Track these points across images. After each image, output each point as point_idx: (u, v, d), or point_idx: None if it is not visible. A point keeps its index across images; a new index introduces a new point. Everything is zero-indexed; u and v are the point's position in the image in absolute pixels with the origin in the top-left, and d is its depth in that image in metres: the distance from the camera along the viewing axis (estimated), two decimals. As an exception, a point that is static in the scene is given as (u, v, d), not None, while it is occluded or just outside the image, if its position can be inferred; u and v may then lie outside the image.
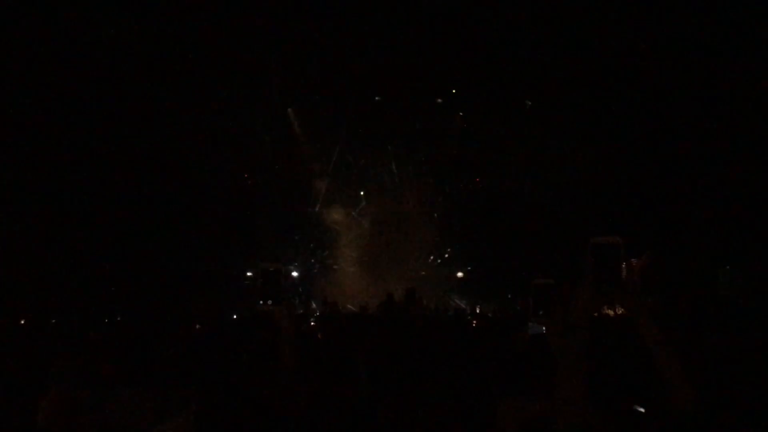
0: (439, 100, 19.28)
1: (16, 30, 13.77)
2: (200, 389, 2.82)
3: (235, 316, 16.12)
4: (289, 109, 19.67)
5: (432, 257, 20.57)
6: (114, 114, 16.18)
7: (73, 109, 15.54)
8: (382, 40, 16.37)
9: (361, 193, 20.71)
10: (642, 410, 2.33)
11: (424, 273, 20.25)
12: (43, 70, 14.70)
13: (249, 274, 19.38)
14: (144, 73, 16.11)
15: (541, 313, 2.90)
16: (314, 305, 18.32)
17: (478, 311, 17.19)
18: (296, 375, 2.57)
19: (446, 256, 20.54)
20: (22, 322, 9.49)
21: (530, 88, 17.81)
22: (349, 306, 16.86)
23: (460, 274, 20.05)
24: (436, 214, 20.50)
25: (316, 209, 20.56)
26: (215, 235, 18.70)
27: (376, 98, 19.02)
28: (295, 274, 19.73)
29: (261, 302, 2.61)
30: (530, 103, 18.36)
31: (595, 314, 2.23)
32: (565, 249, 16.69)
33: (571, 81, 16.35)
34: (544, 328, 3.53)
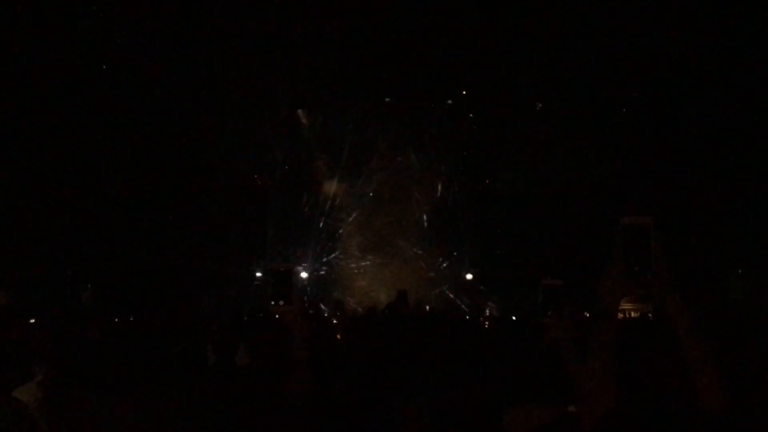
0: (450, 102, 19.27)
1: (26, 30, 13.88)
2: (211, 390, 2.83)
3: (245, 318, 16.16)
4: (299, 111, 19.70)
5: (441, 258, 20.53)
6: (126, 114, 16.27)
7: (88, 108, 15.67)
8: (394, 40, 16.37)
9: (370, 194, 20.70)
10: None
11: (433, 274, 20.21)
12: (61, 67, 14.83)
13: (258, 274, 19.41)
14: (156, 73, 16.20)
15: (549, 313, 2.88)
16: (322, 306, 18.29)
17: (488, 313, 17.11)
18: (310, 376, 2.57)
19: (455, 254, 20.46)
20: (32, 321, 9.50)
21: (541, 89, 17.77)
22: (353, 305, 16.84)
23: (469, 276, 19.99)
24: (446, 215, 20.45)
25: (325, 209, 20.57)
26: (224, 235, 18.75)
27: (386, 99, 19.02)
28: (304, 275, 19.74)
29: (273, 303, 2.61)
30: (540, 105, 18.30)
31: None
32: (576, 250, 16.66)
33: (583, 82, 16.29)
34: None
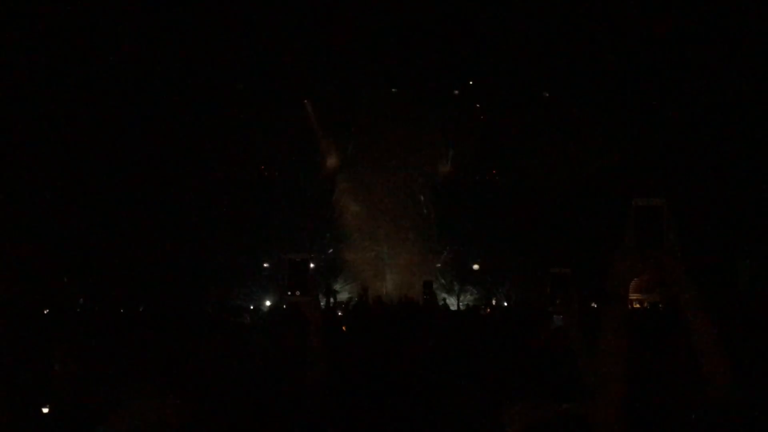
0: (456, 91, 19.19)
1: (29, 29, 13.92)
2: (229, 379, 2.86)
3: (251, 307, 16.23)
4: (306, 101, 19.65)
5: (447, 249, 20.49)
6: (137, 106, 16.32)
7: (101, 99, 15.73)
8: (401, 29, 16.31)
9: (377, 184, 20.65)
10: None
11: (439, 265, 20.19)
12: (62, 61, 14.89)
13: (266, 265, 19.44)
14: (162, 65, 16.22)
15: (558, 302, 2.88)
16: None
17: (494, 303, 17.10)
18: (325, 363, 2.60)
19: (461, 244, 20.41)
20: (46, 311, 9.58)
21: (548, 78, 17.67)
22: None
23: (476, 266, 19.95)
24: (452, 205, 20.37)
25: (332, 199, 20.54)
26: (231, 225, 18.76)
27: (393, 90, 18.97)
28: (311, 265, 19.62)
29: (289, 293, 2.62)
30: (548, 94, 18.21)
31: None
32: (583, 240, 16.64)
33: (592, 73, 16.20)
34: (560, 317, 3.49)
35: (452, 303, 17.86)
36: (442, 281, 19.76)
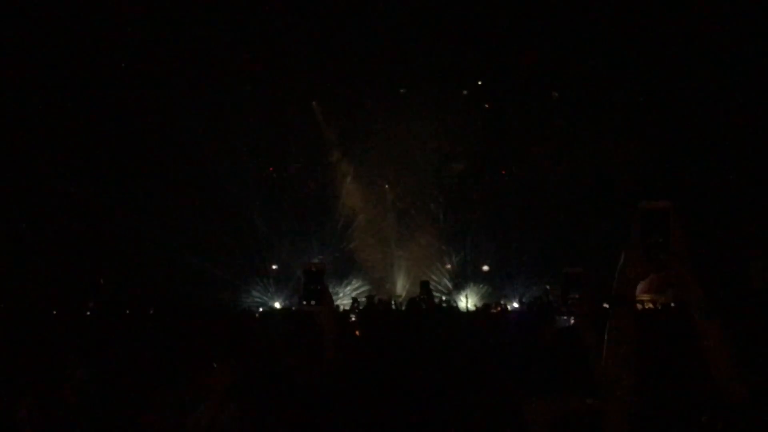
0: (465, 92, 19.15)
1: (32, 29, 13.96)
2: (242, 384, 2.83)
3: (261, 309, 16.25)
4: (314, 102, 19.66)
5: (456, 251, 20.45)
6: (147, 108, 16.38)
7: (112, 101, 15.80)
8: (409, 30, 16.29)
9: (386, 185, 20.67)
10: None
11: (449, 266, 20.16)
12: (63, 62, 14.95)
13: (274, 267, 19.47)
14: (169, 66, 16.26)
15: (570, 302, 2.85)
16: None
17: (502, 303, 17.05)
18: (339, 373, 2.57)
19: (471, 245, 20.37)
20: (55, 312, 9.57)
21: (556, 78, 17.62)
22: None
23: (485, 268, 19.90)
24: (462, 206, 20.34)
25: (340, 201, 20.56)
26: (239, 227, 18.80)
27: (401, 90, 18.94)
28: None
29: (304, 303, 2.59)
30: (556, 94, 18.15)
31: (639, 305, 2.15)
32: (593, 242, 16.57)
33: (604, 73, 16.14)
34: (572, 320, 3.45)
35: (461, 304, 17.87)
36: (451, 282, 19.77)
